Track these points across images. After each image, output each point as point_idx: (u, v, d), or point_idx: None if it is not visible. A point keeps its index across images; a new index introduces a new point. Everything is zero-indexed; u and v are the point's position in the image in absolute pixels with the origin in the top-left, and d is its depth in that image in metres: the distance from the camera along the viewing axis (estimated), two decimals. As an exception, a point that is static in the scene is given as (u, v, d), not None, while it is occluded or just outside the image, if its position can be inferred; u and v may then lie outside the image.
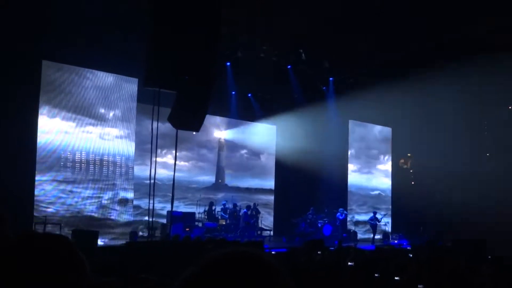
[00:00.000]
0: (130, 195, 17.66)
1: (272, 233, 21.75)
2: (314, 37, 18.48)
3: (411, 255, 11.53)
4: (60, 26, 15.18)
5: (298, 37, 18.66)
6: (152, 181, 11.27)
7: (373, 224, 22.56)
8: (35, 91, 15.56)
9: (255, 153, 23.38)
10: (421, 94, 22.46)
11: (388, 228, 23.96)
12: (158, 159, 14.59)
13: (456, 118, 23.33)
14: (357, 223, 24.29)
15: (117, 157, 17.52)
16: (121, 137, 17.67)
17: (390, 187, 26.37)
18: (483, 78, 20.32)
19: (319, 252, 12.45)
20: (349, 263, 9.12)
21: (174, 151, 14.51)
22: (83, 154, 16.74)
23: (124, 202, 17.46)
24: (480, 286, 6.78)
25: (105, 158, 17.24)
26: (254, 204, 21.08)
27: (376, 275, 7.81)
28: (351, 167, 25.26)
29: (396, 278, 7.61)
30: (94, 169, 16.96)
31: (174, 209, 14.86)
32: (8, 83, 14.51)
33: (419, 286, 7.04)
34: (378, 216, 22.78)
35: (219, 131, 21.99)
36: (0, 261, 1.37)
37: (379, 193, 26.07)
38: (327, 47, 19.29)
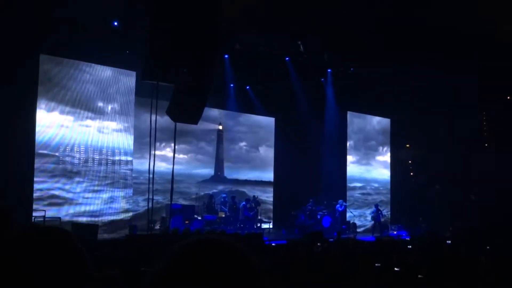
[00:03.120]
0: (129, 188, 17.66)
1: (271, 225, 21.78)
2: (312, 29, 18.44)
3: (410, 246, 11.56)
4: (58, 19, 15.13)
5: (296, 29, 18.62)
6: (151, 174, 11.28)
7: (375, 216, 22.60)
8: (32, 85, 15.50)
9: (254, 146, 23.38)
10: (420, 84, 22.48)
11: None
12: (157, 152, 14.58)
13: (455, 108, 23.34)
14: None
15: (116, 151, 17.52)
16: (119, 130, 17.65)
17: (389, 178, 26.38)
18: (482, 69, 20.32)
19: (318, 244, 12.47)
20: (348, 255, 9.14)
21: (173, 144, 14.50)
22: (81, 148, 16.72)
23: (123, 195, 17.47)
24: (479, 276, 6.80)
25: (104, 151, 17.23)
26: (254, 196, 21.09)
27: (376, 265, 7.83)
28: (350, 158, 25.27)
29: (396, 269, 7.63)
30: (93, 163, 16.95)
31: (173, 201, 14.87)
32: (5, 77, 14.45)
33: (419, 276, 7.06)
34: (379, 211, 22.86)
35: (218, 123, 21.97)
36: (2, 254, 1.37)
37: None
38: (325, 38, 19.25)
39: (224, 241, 1.21)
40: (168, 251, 1.20)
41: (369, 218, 23.50)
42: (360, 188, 25.38)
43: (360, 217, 24.19)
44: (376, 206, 23.06)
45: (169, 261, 1.17)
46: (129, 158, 17.78)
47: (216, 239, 1.22)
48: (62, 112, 16.32)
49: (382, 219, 22.85)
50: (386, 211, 23.57)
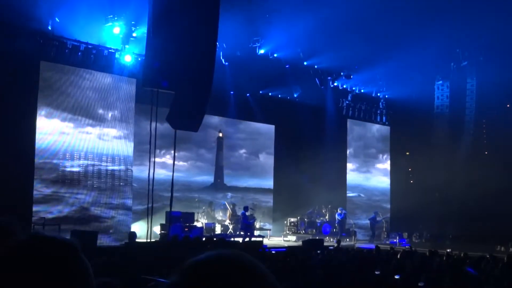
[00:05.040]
0: (128, 195, 17.63)
1: (271, 232, 21.74)
2: (313, 37, 18.51)
3: (410, 253, 11.54)
4: (59, 26, 15.20)
5: (296, 37, 18.69)
6: (151, 181, 11.27)
7: (372, 224, 22.58)
8: (33, 92, 15.52)
9: (254, 153, 23.36)
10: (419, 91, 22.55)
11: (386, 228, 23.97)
12: (157, 160, 14.54)
13: (455, 115, 23.37)
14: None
15: (116, 158, 17.50)
16: (119, 137, 17.64)
17: (389, 185, 26.36)
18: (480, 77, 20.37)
19: (318, 252, 12.46)
20: (348, 262, 9.13)
21: (172, 151, 14.50)
22: (81, 155, 16.71)
23: (122, 202, 17.44)
24: (480, 283, 6.79)
25: (104, 158, 17.22)
26: (253, 204, 21.06)
27: (377, 273, 7.83)
28: (349, 166, 25.26)
29: (396, 276, 7.62)
30: (93, 170, 16.94)
31: (173, 209, 14.84)
32: (6, 84, 14.48)
33: (419, 284, 7.05)
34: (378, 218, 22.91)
35: (218, 131, 21.97)
36: (3, 264, 1.35)
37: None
38: (326, 46, 19.31)
39: (240, 258, 1.21)
40: (182, 266, 1.20)
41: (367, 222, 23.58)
42: (359, 195, 25.37)
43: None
44: (376, 213, 23.07)
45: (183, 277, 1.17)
46: (129, 165, 17.76)
47: (232, 255, 1.21)
48: (62, 119, 16.32)
49: (378, 225, 22.84)
50: (380, 218, 23.52)
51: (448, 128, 23.69)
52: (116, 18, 16.57)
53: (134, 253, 11.78)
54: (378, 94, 25.24)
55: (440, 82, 24.10)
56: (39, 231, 1.56)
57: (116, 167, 17.48)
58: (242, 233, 19.33)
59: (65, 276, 1.35)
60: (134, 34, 17.08)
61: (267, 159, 23.60)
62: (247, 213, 19.86)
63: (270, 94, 22.73)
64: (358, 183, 25.40)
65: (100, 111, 17.24)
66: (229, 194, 21.70)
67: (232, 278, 1.15)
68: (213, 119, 21.31)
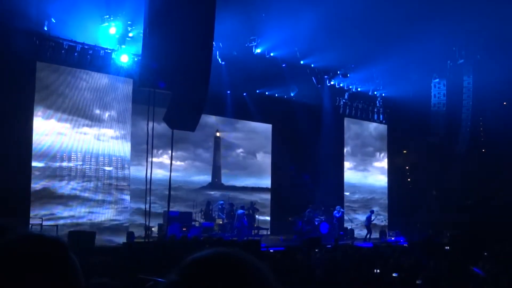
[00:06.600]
0: (126, 195, 17.60)
1: (269, 231, 21.74)
2: (309, 36, 18.52)
3: (408, 252, 11.56)
4: (55, 26, 15.17)
5: (293, 36, 18.70)
6: (148, 181, 11.27)
7: (368, 222, 22.58)
8: (30, 93, 15.48)
9: (251, 152, 23.36)
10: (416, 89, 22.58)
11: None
12: (154, 160, 14.49)
13: (451, 113, 23.39)
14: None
15: (113, 158, 17.46)
16: (116, 138, 17.60)
17: (386, 184, 26.37)
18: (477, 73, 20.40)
19: (316, 250, 12.48)
20: (347, 261, 9.14)
21: (170, 151, 14.48)
22: (78, 155, 16.67)
23: (120, 202, 17.41)
24: (477, 283, 6.80)
25: (101, 159, 17.17)
26: (251, 203, 21.05)
27: (376, 271, 7.84)
28: (347, 164, 25.26)
29: (394, 274, 7.63)
30: (90, 170, 16.89)
31: (170, 208, 14.84)
32: (3, 84, 14.44)
33: (417, 282, 7.07)
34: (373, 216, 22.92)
35: (215, 130, 21.96)
36: None
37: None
38: (322, 45, 19.32)
39: (238, 256, 1.20)
40: (180, 264, 1.19)
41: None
42: (357, 193, 25.38)
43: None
44: (372, 212, 23.06)
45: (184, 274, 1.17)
46: (126, 165, 17.73)
47: (229, 253, 1.21)
48: (59, 120, 16.27)
49: (373, 224, 22.83)
50: (381, 217, 23.52)
51: (445, 126, 23.72)
52: (112, 18, 16.54)
53: (132, 253, 11.78)
54: (375, 93, 25.24)
55: (437, 80, 24.13)
56: (26, 230, 1.55)
57: (113, 168, 17.44)
58: (241, 232, 19.34)
59: (53, 274, 1.34)
60: (130, 34, 17.04)
61: (264, 158, 23.60)
62: (246, 213, 19.88)
63: (267, 93, 22.73)
64: (355, 181, 25.39)
65: (97, 111, 17.20)
66: (227, 194, 21.67)
67: (230, 276, 1.14)
68: (210, 119, 21.30)
